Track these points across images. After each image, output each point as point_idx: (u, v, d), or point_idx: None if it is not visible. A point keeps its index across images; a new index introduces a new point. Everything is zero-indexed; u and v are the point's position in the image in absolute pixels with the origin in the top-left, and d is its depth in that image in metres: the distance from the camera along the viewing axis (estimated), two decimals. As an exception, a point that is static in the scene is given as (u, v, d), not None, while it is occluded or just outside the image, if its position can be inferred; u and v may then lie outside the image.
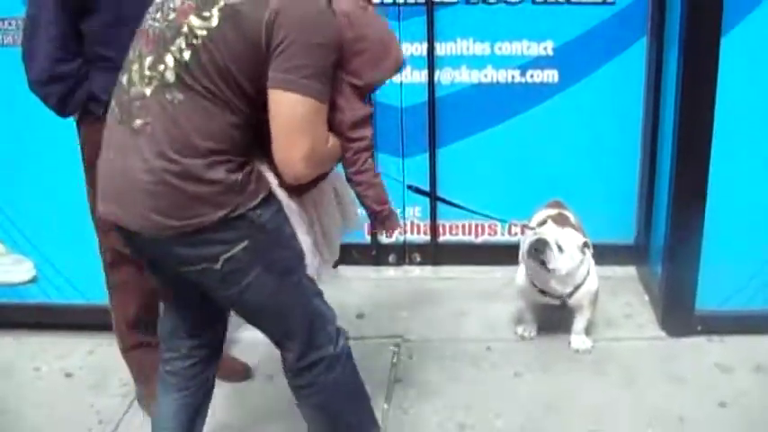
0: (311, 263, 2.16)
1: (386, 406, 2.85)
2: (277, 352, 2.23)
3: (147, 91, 1.94)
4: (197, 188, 1.91)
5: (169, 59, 1.92)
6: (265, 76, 1.90)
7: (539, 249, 2.96)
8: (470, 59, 3.55)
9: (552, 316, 3.25)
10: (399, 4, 3.47)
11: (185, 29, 1.91)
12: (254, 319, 2.20)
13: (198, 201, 1.92)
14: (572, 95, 3.57)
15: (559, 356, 3.13)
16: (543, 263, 2.96)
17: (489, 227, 3.79)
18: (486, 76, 3.56)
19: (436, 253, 3.84)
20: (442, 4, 3.45)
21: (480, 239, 3.84)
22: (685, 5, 2.94)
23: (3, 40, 3.07)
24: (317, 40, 1.90)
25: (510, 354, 3.16)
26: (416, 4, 3.46)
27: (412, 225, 3.82)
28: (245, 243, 1.99)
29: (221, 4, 1.89)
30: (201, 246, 1.97)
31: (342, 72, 2.04)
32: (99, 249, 2.86)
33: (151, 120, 1.93)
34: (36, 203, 3.24)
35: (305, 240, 2.13)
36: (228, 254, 1.98)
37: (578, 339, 3.18)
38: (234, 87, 1.90)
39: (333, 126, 2.06)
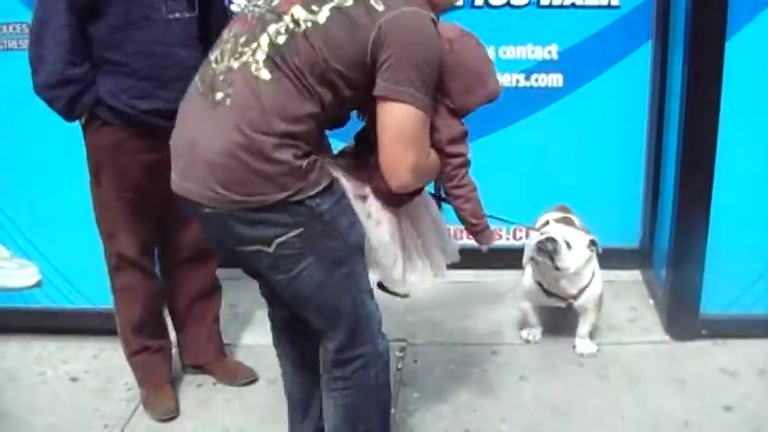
0: (389, 266, 2.27)
1: (392, 410, 2.84)
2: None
3: (235, 65, 2.00)
4: (262, 166, 1.96)
5: (264, 39, 1.98)
6: (358, 78, 1.98)
7: (548, 247, 2.96)
8: (475, 63, 3.54)
9: (557, 320, 3.25)
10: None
11: (288, 17, 1.97)
12: (300, 306, 2.22)
13: (262, 178, 1.97)
14: (577, 99, 3.57)
15: (564, 360, 3.13)
16: (553, 260, 2.96)
17: (495, 231, 3.78)
18: (491, 79, 3.56)
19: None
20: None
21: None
22: (690, 9, 2.95)
23: (6, 44, 3.07)
24: (423, 58, 1.97)
25: (515, 357, 3.16)
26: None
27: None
28: (300, 230, 2.03)
29: (332, 4, 1.96)
30: (258, 226, 2.02)
31: (439, 93, 2.13)
32: (104, 254, 2.86)
33: (232, 92, 1.99)
34: (41, 208, 3.24)
35: (382, 241, 2.22)
36: (282, 238, 2.03)
37: (583, 343, 3.18)
38: (323, 80, 1.96)
39: (432, 143, 2.15)
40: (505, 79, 3.52)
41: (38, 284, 3.33)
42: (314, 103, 1.98)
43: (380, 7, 1.95)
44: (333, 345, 2.22)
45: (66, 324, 3.35)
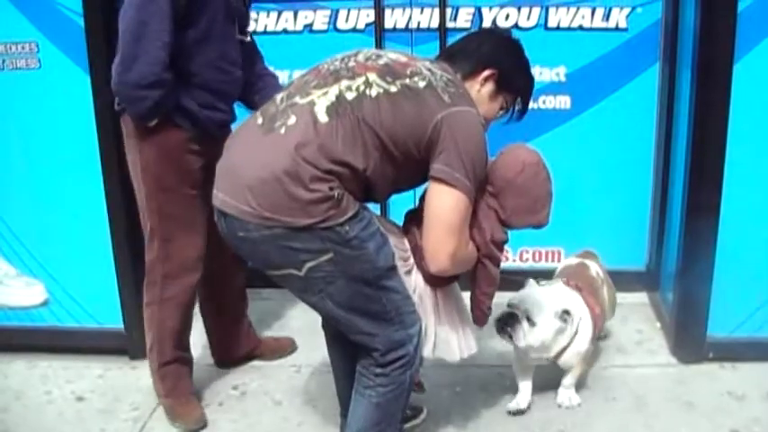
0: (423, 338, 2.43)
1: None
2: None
3: (300, 101, 2.19)
4: (299, 191, 2.09)
5: (333, 90, 2.18)
6: (410, 152, 2.18)
7: (507, 324, 2.78)
8: (483, 85, 3.55)
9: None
10: (412, 30, 3.50)
11: (362, 78, 2.19)
12: (336, 323, 2.35)
13: (295, 202, 2.10)
14: (584, 121, 3.58)
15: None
16: (512, 338, 2.78)
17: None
18: (498, 102, 3.57)
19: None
20: (455, 29, 3.46)
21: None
22: (698, 32, 2.95)
23: (15, 63, 3.07)
24: (475, 154, 2.19)
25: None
26: (429, 29, 3.48)
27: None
28: (331, 255, 2.16)
29: (406, 81, 2.19)
30: (288, 251, 2.15)
31: (495, 201, 2.40)
32: (151, 265, 2.87)
33: (290, 123, 2.15)
34: (48, 226, 3.24)
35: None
36: (313, 263, 2.17)
37: (564, 394, 2.98)
38: (376, 142, 2.15)
39: (474, 241, 2.38)
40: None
41: (44, 303, 3.33)
42: (360, 159, 2.14)
43: (446, 98, 2.19)
44: (374, 353, 2.33)
45: (72, 343, 3.35)
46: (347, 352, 2.51)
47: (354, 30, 3.52)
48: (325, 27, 3.52)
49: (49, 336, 3.36)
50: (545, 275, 3.74)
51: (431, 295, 2.45)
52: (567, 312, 2.80)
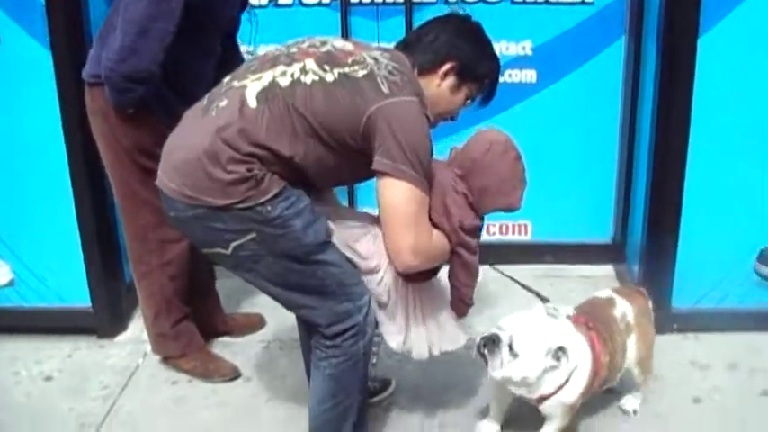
0: (393, 332, 2.42)
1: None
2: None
3: (237, 85, 2.19)
4: (215, 171, 2.10)
5: (268, 75, 2.17)
6: (345, 142, 2.14)
7: (486, 346, 2.40)
8: (449, 59, 3.55)
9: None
10: (378, 4, 3.47)
11: (300, 65, 2.17)
12: (276, 299, 2.36)
13: (213, 182, 2.11)
14: (550, 95, 3.59)
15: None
16: (486, 364, 2.42)
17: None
18: (464, 75, 3.56)
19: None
20: (421, 4, 3.45)
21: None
22: (663, 5, 2.98)
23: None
24: (415, 142, 2.11)
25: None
26: (395, 4, 3.46)
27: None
28: (253, 234, 2.16)
29: (344, 70, 2.15)
30: (212, 231, 2.17)
31: (464, 185, 2.31)
32: (146, 230, 2.90)
33: (222, 105, 2.16)
34: (12, 205, 3.20)
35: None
36: (238, 242, 2.17)
37: None
38: (307, 126, 2.12)
39: (443, 229, 2.30)
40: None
41: (10, 283, 3.30)
42: (286, 146, 2.12)
43: (384, 89, 2.12)
44: (320, 327, 2.32)
45: (39, 323, 3.33)
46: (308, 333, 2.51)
47: (320, 4, 3.48)
48: (290, 1, 3.49)
49: (16, 316, 3.33)
50: (512, 249, 3.79)
51: (402, 293, 2.40)
52: (562, 350, 2.39)
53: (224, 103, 2.17)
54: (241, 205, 2.11)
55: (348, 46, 2.27)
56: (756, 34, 2.93)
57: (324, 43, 2.26)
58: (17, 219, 3.22)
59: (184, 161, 2.15)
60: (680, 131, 3.00)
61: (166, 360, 3.12)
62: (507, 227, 3.77)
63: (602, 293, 2.79)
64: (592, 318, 2.58)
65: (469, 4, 3.43)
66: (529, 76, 3.57)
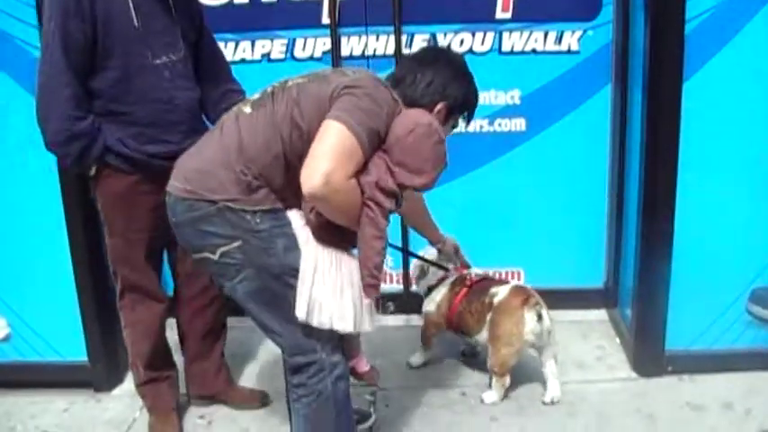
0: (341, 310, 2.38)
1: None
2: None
3: (246, 109, 2.40)
4: (220, 172, 2.30)
5: (259, 92, 2.45)
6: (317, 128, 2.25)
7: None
8: (439, 110, 3.59)
9: (527, 364, 3.26)
10: (368, 57, 3.53)
11: (285, 81, 2.41)
12: (248, 312, 2.43)
13: (214, 180, 2.29)
14: (540, 143, 3.63)
15: (533, 400, 3.15)
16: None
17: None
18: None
19: (409, 302, 3.81)
20: (411, 56, 3.50)
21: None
22: (648, 52, 3.03)
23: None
24: (369, 108, 2.25)
25: (485, 399, 3.18)
26: (385, 56, 3.52)
27: (385, 275, 3.78)
28: (240, 242, 2.29)
29: (319, 73, 2.45)
30: (204, 235, 2.31)
31: (388, 155, 2.33)
32: (118, 294, 2.92)
33: (226, 125, 2.39)
34: (8, 260, 3.22)
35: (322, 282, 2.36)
36: (225, 248, 2.30)
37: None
38: (291, 122, 2.28)
39: (359, 182, 2.30)
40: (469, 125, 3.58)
41: (6, 338, 3.30)
42: (279, 142, 2.28)
43: (350, 73, 2.38)
44: (285, 349, 2.44)
45: (35, 377, 3.32)
46: None
47: (312, 58, 3.55)
48: (282, 56, 3.55)
49: (13, 371, 3.32)
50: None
51: (313, 256, 2.35)
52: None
53: (227, 124, 2.39)
54: (231, 204, 2.27)
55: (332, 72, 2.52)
56: (740, 77, 2.99)
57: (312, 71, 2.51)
58: (14, 273, 3.23)
59: (196, 170, 2.34)
60: (669, 175, 3.05)
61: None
62: (501, 275, 3.78)
63: (501, 282, 3.29)
64: (477, 283, 3.24)
65: (458, 54, 3.49)
66: (518, 124, 3.62)
